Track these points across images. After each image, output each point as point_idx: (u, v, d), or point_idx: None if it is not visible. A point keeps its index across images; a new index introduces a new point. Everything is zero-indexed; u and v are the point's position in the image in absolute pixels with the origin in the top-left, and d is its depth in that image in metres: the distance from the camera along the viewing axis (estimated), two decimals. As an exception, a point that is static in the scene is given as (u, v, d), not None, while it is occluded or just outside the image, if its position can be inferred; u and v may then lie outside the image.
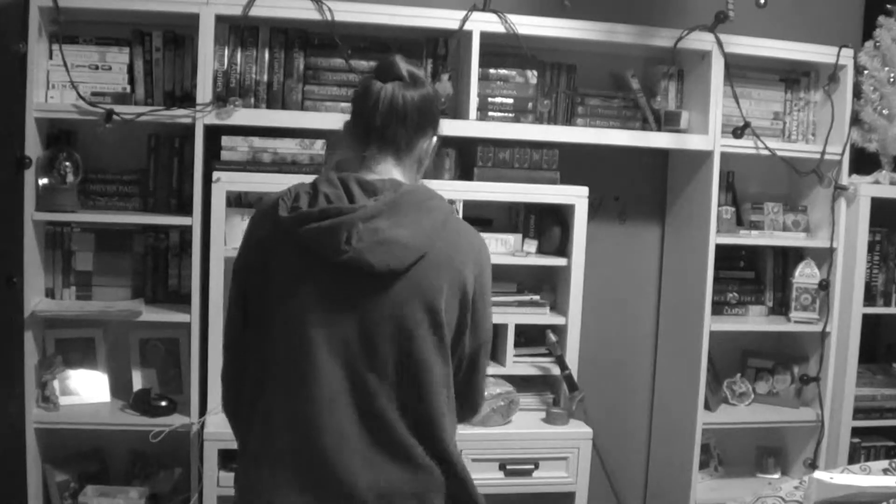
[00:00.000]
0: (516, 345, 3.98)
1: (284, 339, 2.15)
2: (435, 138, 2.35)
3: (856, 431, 4.34)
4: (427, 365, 2.16)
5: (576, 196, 3.95)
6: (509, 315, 3.96)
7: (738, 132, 4.11)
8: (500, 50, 3.95)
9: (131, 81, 3.77)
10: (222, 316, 3.61)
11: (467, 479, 2.29)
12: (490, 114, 3.97)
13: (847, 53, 4.21)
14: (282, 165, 3.72)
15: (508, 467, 3.79)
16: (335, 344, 2.12)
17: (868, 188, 4.23)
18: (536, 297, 4.03)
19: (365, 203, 2.12)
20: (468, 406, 2.40)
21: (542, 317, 4.02)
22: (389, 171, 2.25)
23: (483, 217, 4.12)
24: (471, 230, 2.31)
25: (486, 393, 3.73)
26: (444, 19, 3.81)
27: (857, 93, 4.22)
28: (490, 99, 3.96)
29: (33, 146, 3.57)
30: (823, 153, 4.22)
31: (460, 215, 3.77)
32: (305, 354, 2.12)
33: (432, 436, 2.19)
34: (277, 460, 2.15)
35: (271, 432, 2.16)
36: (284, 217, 2.14)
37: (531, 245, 4.05)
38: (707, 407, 4.23)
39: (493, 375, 3.91)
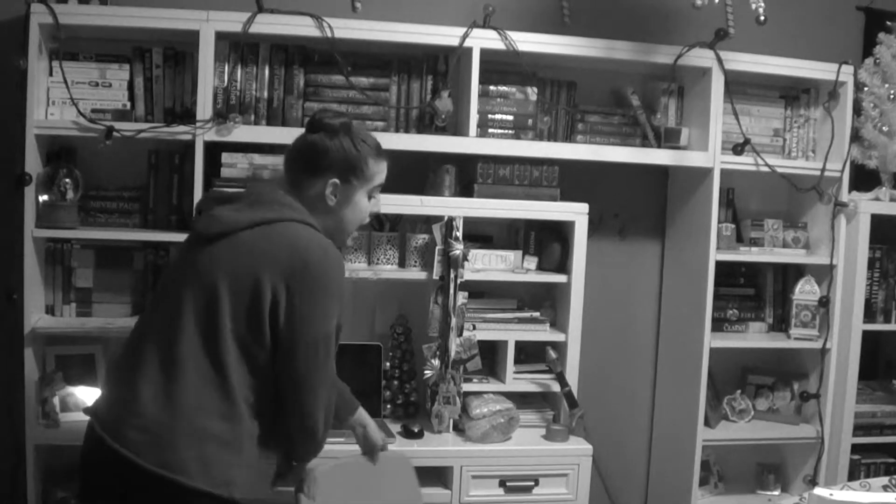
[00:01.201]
0: (516, 361, 3.98)
1: None
2: (335, 182, 2.79)
3: (856, 448, 4.34)
4: None
5: (576, 213, 3.96)
6: (509, 332, 3.96)
7: (738, 149, 4.12)
8: (500, 67, 3.95)
9: (131, 98, 3.78)
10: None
11: None
12: (490, 130, 3.97)
13: (847, 70, 4.22)
14: (282, 182, 3.73)
15: (508, 484, 3.78)
16: None
17: (868, 205, 4.23)
18: (536, 314, 4.03)
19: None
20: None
21: (542, 333, 4.01)
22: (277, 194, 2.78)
23: (483, 234, 4.12)
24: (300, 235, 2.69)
25: (478, 410, 3.78)
26: (445, 36, 3.82)
27: (857, 110, 4.23)
28: (490, 115, 3.97)
29: (33, 163, 3.57)
30: (823, 170, 4.23)
31: (460, 233, 3.78)
32: None
33: None
34: None
35: None
36: None
37: (531, 262, 4.05)
38: (707, 423, 4.22)
39: (493, 392, 3.91)
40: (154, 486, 2.46)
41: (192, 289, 2.60)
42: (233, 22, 3.63)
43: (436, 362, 3.82)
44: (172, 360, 2.54)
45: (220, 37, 3.67)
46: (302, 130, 3.74)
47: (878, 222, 4.24)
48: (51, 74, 3.68)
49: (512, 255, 4.03)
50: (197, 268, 2.63)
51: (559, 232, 4.05)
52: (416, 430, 3.78)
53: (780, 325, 4.46)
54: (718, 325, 4.34)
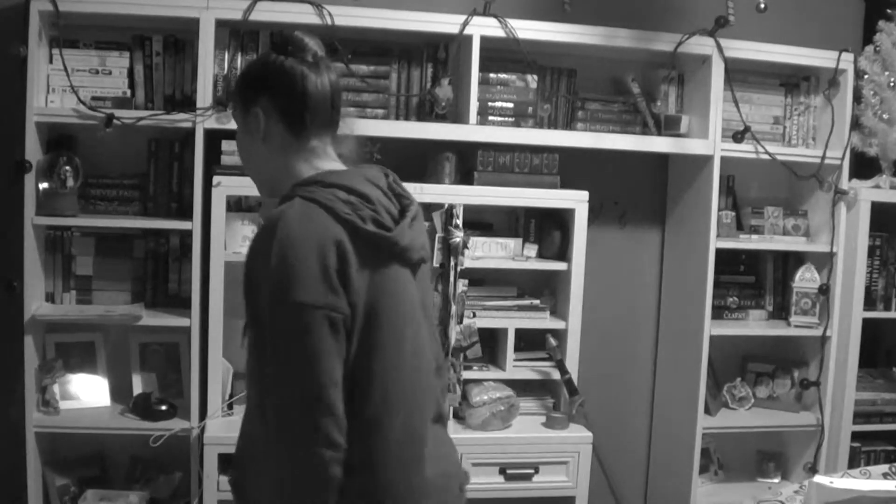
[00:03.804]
0: (516, 349, 3.98)
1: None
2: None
3: (856, 436, 4.34)
4: None
5: (576, 200, 3.95)
6: (509, 319, 3.97)
7: (738, 136, 4.11)
8: (501, 54, 3.95)
9: (131, 86, 3.78)
10: (222, 320, 3.62)
11: None
12: (490, 118, 3.97)
13: (847, 58, 4.21)
14: (282, 170, 3.72)
15: (509, 472, 3.79)
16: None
17: (868, 192, 4.23)
18: (536, 302, 4.03)
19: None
20: None
21: (543, 321, 4.02)
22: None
23: (483, 221, 4.12)
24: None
25: (478, 398, 3.78)
26: (445, 24, 3.81)
27: (858, 97, 4.22)
28: (490, 103, 3.97)
29: (33, 150, 3.57)
30: (823, 157, 4.22)
31: (460, 220, 3.78)
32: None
33: None
34: None
35: None
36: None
37: (531, 249, 4.06)
38: (707, 411, 4.23)
39: (493, 380, 3.91)
40: None
41: None
42: (233, 9, 3.63)
43: (436, 350, 3.82)
44: None
45: (220, 24, 3.67)
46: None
47: (879, 210, 4.24)
48: (51, 62, 3.67)
49: (512, 243, 4.04)
50: None
51: (559, 219, 4.05)
52: (416, 417, 3.79)
53: (781, 312, 4.46)
54: (718, 312, 4.34)
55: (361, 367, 2.02)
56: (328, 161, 2.20)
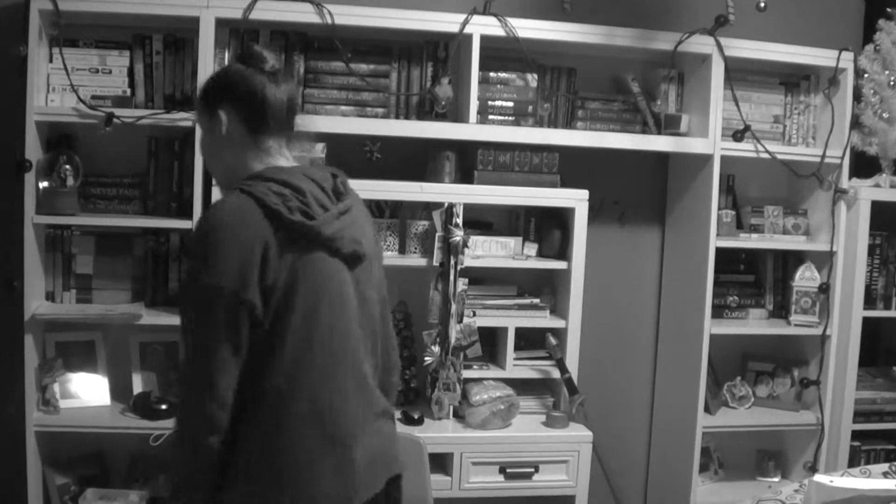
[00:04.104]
0: (516, 348, 3.98)
1: None
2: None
3: (856, 435, 4.34)
4: None
5: (576, 199, 3.96)
6: (509, 318, 3.97)
7: (738, 135, 4.12)
8: (501, 53, 3.95)
9: (131, 85, 3.78)
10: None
11: None
12: (490, 117, 3.97)
13: (847, 57, 4.21)
14: (282, 169, 3.73)
15: (508, 471, 3.79)
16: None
17: (868, 191, 4.23)
18: (537, 301, 4.03)
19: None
20: None
21: (543, 320, 4.02)
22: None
23: (483, 220, 4.12)
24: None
25: (478, 397, 3.78)
26: (445, 23, 3.81)
27: (858, 96, 4.22)
28: (490, 102, 3.97)
29: (33, 149, 3.57)
30: (823, 156, 4.22)
31: (460, 219, 3.78)
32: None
33: None
34: None
35: None
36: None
37: (531, 248, 4.06)
38: (707, 410, 4.23)
39: (493, 378, 3.91)
40: None
41: None
42: (233, 8, 3.63)
43: (436, 349, 3.82)
44: None
45: (221, 23, 3.67)
46: (303, 119, 3.77)
47: (879, 209, 4.24)
48: (51, 61, 3.67)
49: (512, 242, 4.04)
50: None
51: (559, 218, 4.05)
52: (416, 416, 3.79)
53: (781, 311, 4.46)
54: (718, 311, 4.34)
55: (272, 344, 2.20)
56: (281, 160, 2.40)
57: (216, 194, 3.57)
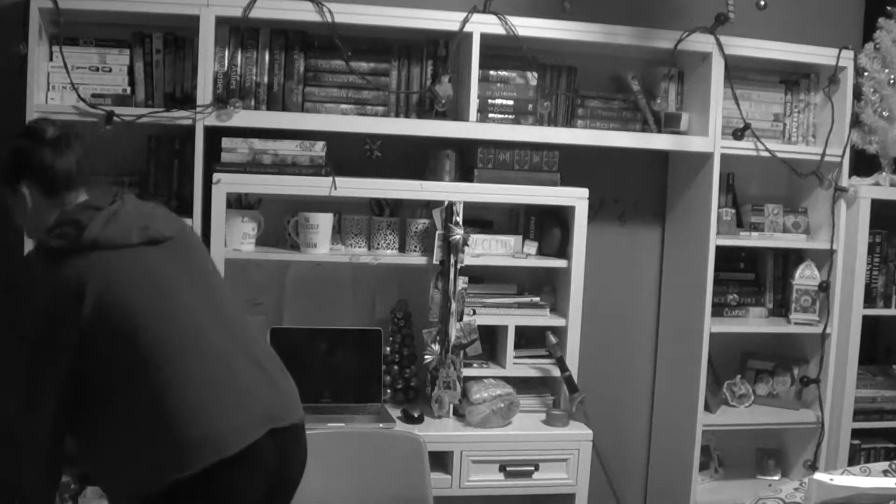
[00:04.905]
0: (516, 346, 3.98)
1: None
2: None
3: (856, 433, 4.34)
4: None
5: (576, 198, 3.96)
6: (509, 317, 3.97)
7: (738, 134, 4.12)
8: (501, 52, 3.95)
9: (131, 83, 3.77)
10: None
11: None
12: (490, 115, 3.97)
13: (847, 55, 4.21)
14: (282, 167, 3.73)
15: (508, 469, 3.79)
16: None
17: (868, 190, 4.23)
18: (536, 299, 4.03)
19: None
20: None
21: (543, 318, 4.02)
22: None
23: (483, 219, 4.12)
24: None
25: (478, 395, 3.78)
26: (445, 21, 3.81)
27: (858, 94, 4.22)
28: (490, 101, 3.97)
29: (34, 148, 3.56)
30: (823, 155, 4.22)
31: (460, 218, 3.78)
32: None
33: None
34: None
35: None
36: None
37: (531, 247, 4.06)
38: (707, 408, 4.23)
39: (493, 377, 3.92)
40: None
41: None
42: (233, 7, 3.63)
43: (436, 347, 3.82)
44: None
45: (221, 22, 3.67)
46: (303, 116, 3.78)
47: (879, 207, 4.24)
48: (51, 59, 3.67)
49: (512, 240, 4.04)
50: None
51: (559, 217, 4.05)
52: (416, 414, 3.79)
53: (781, 310, 4.46)
54: (718, 309, 4.34)
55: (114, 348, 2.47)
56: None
57: (217, 193, 3.60)
